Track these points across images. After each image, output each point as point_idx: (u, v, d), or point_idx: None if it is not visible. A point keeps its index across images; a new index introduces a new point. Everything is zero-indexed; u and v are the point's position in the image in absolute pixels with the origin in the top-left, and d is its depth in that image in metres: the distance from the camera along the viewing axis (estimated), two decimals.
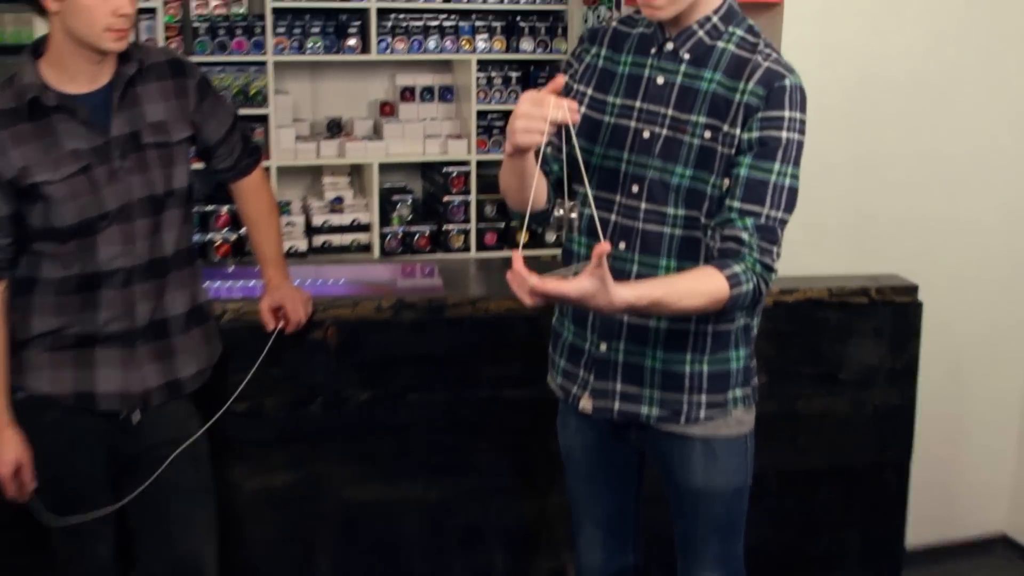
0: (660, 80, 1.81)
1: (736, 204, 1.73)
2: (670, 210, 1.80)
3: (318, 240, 4.91)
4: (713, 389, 1.87)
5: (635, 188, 1.82)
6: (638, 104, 1.82)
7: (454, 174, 4.94)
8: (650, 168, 1.80)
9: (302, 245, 4.83)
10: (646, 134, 1.81)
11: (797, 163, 1.75)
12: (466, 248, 5.01)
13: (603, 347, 1.88)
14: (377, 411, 2.44)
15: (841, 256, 2.92)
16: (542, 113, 1.61)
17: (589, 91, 1.87)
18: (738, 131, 1.73)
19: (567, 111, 1.61)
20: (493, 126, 5.14)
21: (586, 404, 1.91)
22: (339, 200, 4.96)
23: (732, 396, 1.88)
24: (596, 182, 1.86)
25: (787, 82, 1.73)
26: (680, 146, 1.78)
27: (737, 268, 1.69)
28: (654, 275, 1.79)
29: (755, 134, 1.73)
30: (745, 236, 1.72)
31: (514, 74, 5.18)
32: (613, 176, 1.85)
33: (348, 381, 2.42)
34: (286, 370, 2.37)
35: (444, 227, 4.98)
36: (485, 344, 2.47)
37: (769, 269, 1.72)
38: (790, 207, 1.75)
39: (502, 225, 5.11)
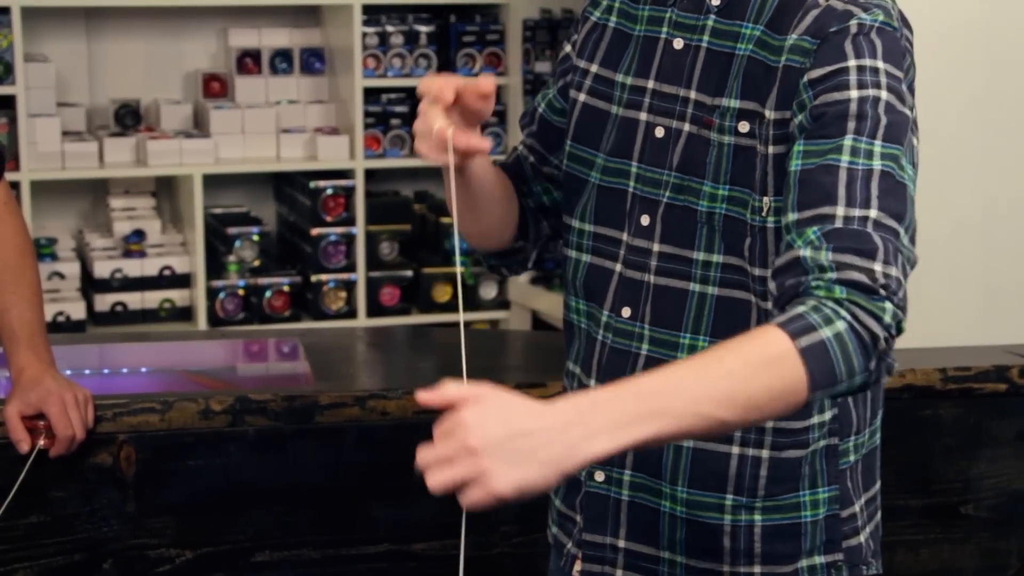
0: (678, 44, 1.82)
1: (792, 217, 1.65)
2: (699, 255, 1.79)
3: (103, 302, 4.88)
4: (772, 555, 1.85)
5: (645, 220, 1.82)
6: (651, 84, 1.84)
7: (328, 192, 4.95)
8: (665, 188, 1.81)
9: (77, 310, 4.80)
10: (659, 132, 1.82)
11: (895, 137, 1.66)
12: (349, 312, 5.01)
13: (599, 476, 1.89)
14: None
15: (962, 317, 2.96)
16: (428, 128, 1.68)
17: (593, 68, 1.90)
18: (781, 115, 1.71)
19: (449, 141, 1.66)
20: (390, 113, 5.19)
21: (579, 567, 1.92)
22: (138, 236, 4.94)
23: (802, 567, 1.86)
24: (592, 211, 1.88)
25: (853, 22, 1.70)
26: (707, 149, 1.78)
27: (800, 307, 1.55)
28: (672, 359, 1.78)
29: (806, 104, 1.69)
30: (807, 253, 1.60)
31: (423, 28, 5.25)
32: (616, 201, 1.85)
33: (155, 534, 2.40)
34: (52, 517, 2.35)
35: (313, 278, 4.98)
36: (384, 469, 2.46)
37: (869, 290, 1.56)
38: (891, 204, 1.63)
39: (408, 273, 5.13)
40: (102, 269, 4.83)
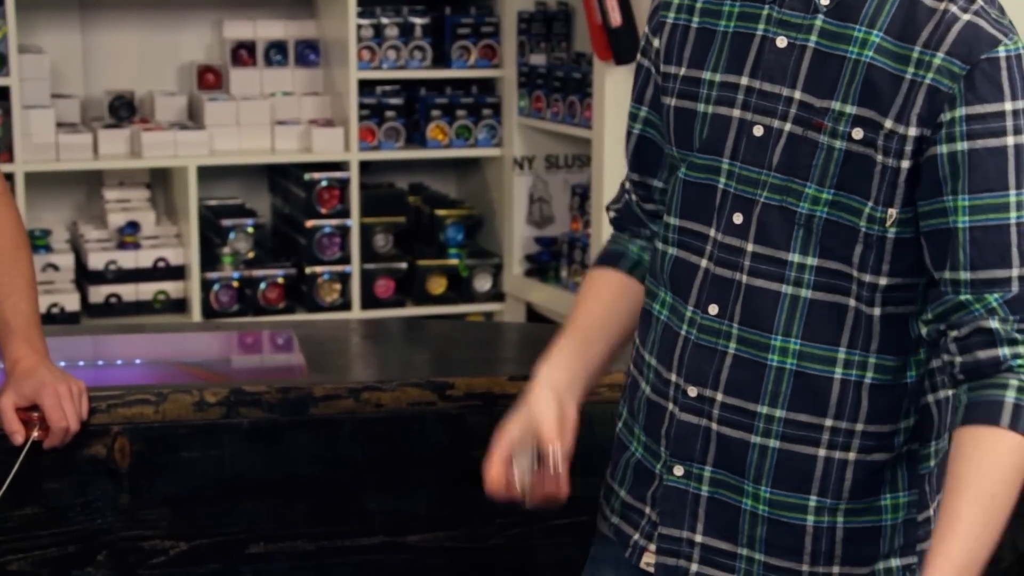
0: (782, 43, 1.80)
1: (964, 276, 1.72)
2: (794, 257, 1.79)
3: (98, 294, 4.88)
4: (852, 557, 1.86)
5: (738, 218, 1.82)
6: (745, 81, 1.82)
7: (323, 184, 4.95)
8: (764, 188, 1.80)
9: (71, 302, 4.80)
10: (758, 130, 1.80)
11: None
12: (344, 305, 5.02)
13: (678, 471, 1.89)
14: (199, 574, 2.43)
15: None
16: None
17: (681, 71, 1.89)
18: (913, 132, 1.72)
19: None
20: (385, 106, 5.19)
21: (651, 559, 1.92)
22: (132, 228, 4.94)
23: (879, 569, 1.87)
24: (678, 205, 1.89)
25: (1001, 51, 1.71)
26: (814, 151, 1.77)
27: (1010, 396, 1.70)
28: (762, 360, 1.81)
29: (959, 146, 1.71)
30: (996, 325, 1.71)
31: (418, 20, 5.25)
32: (705, 196, 1.85)
33: (150, 525, 2.40)
34: (46, 509, 2.34)
35: (308, 270, 4.98)
36: (378, 461, 2.46)
37: None
38: None
39: (403, 266, 5.14)
40: (96, 261, 4.83)
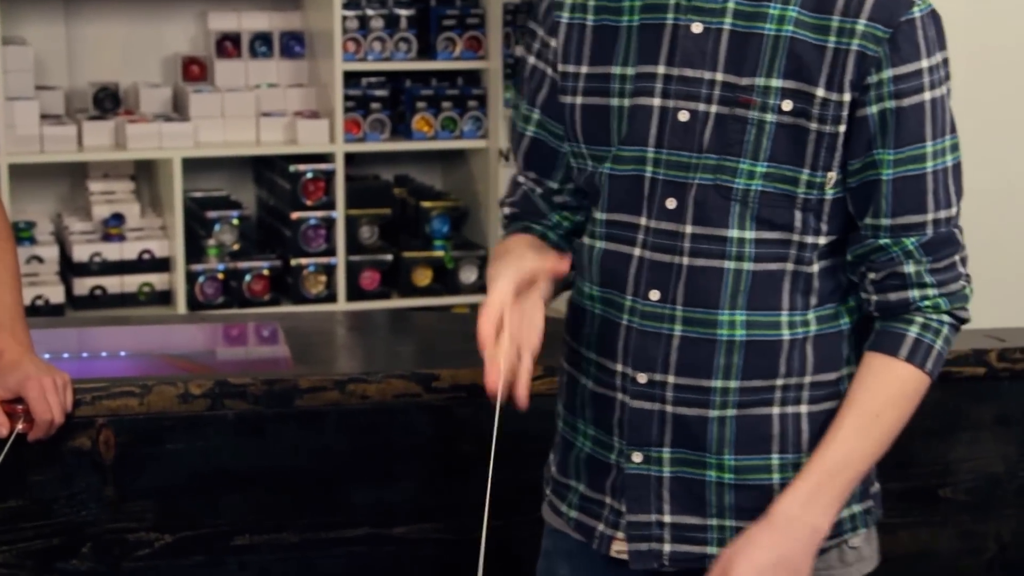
0: (697, 28, 1.84)
1: (885, 222, 1.84)
2: (733, 233, 1.84)
3: (83, 286, 4.87)
4: None
5: (671, 203, 1.86)
6: (662, 70, 1.86)
7: (308, 176, 4.95)
8: (696, 170, 1.84)
9: (56, 294, 4.79)
10: (683, 116, 1.84)
11: (953, 126, 1.86)
12: (330, 297, 5.01)
13: (636, 457, 1.91)
14: (184, 566, 2.42)
15: None
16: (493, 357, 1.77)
17: (583, 69, 1.92)
18: (847, 97, 1.80)
19: (502, 376, 1.74)
20: (370, 97, 5.18)
21: (623, 547, 1.94)
22: (117, 220, 4.93)
23: (844, 516, 1.92)
24: (605, 200, 1.91)
25: (916, 12, 1.81)
26: (744, 128, 1.82)
27: (913, 331, 1.86)
28: (711, 336, 1.85)
29: (887, 104, 1.81)
30: (910, 268, 1.85)
31: (403, 12, 5.24)
32: (633, 187, 1.88)
33: (135, 517, 2.40)
34: (30, 501, 2.35)
35: (293, 262, 4.98)
36: (363, 453, 2.46)
37: (961, 296, 1.88)
38: (960, 192, 1.87)
39: (388, 258, 5.13)
40: (81, 253, 4.82)
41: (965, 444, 2.67)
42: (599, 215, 1.92)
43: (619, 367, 1.89)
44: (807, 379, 1.87)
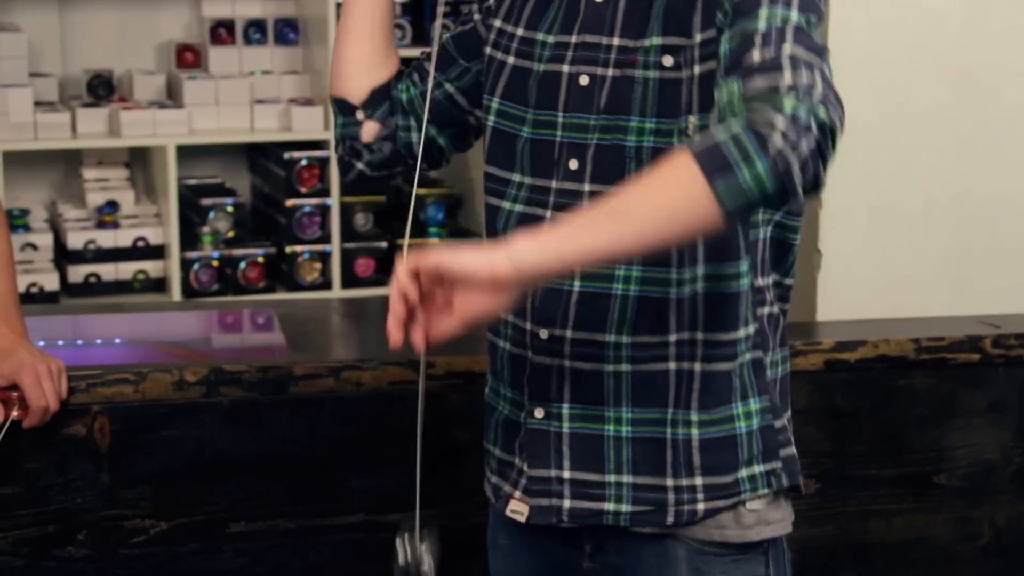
0: None
1: (719, 81, 1.76)
2: None
3: (77, 273, 4.86)
4: (712, 466, 1.92)
5: (574, 164, 1.91)
6: (574, 39, 1.93)
7: (303, 163, 4.94)
8: (594, 131, 1.89)
9: (50, 281, 4.78)
10: (583, 80, 1.90)
11: (809, 7, 1.75)
12: (324, 284, 5.00)
13: (539, 413, 1.95)
14: (180, 553, 2.42)
15: (935, 288, 2.97)
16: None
17: (519, 31, 1.99)
18: (712, 33, 1.81)
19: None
20: None
21: (517, 506, 1.99)
22: (111, 207, 4.92)
23: (742, 476, 1.92)
24: (527, 164, 1.96)
25: None
26: (632, 87, 1.87)
27: (720, 134, 1.66)
28: (607, 291, 1.88)
29: (726, 4, 1.78)
30: (723, 93, 1.72)
31: None
32: (545, 151, 1.94)
33: (130, 505, 2.40)
34: (25, 488, 2.35)
35: (288, 249, 4.97)
36: (358, 440, 2.46)
37: (772, 90, 1.67)
38: (806, 41, 1.72)
39: (383, 245, 5.13)
40: (75, 240, 4.81)
41: (959, 430, 2.68)
42: (519, 178, 1.95)
43: (528, 325, 1.93)
44: (700, 336, 1.88)
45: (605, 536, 1.96)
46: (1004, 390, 2.69)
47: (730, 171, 1.63)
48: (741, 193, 1.64)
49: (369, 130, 2.09)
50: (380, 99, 2.08)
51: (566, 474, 1.94)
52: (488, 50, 2.01)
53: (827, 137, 1.68)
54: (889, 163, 2.96)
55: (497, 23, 2.00)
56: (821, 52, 1.74)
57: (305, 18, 5.06)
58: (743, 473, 1.93)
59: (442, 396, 2.46)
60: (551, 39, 1.94)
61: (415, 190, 2.06)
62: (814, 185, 1.68)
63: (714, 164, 1.63)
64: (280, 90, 5.01)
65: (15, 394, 2.23)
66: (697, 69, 1.82)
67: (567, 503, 1.94)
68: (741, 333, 1.91)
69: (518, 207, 1.96)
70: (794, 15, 1.74)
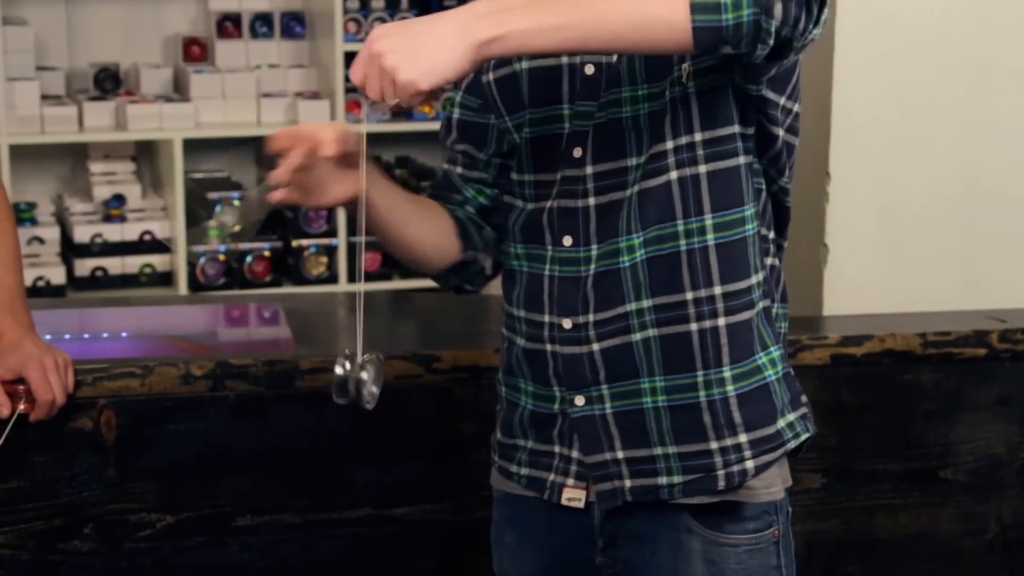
0: None
1: None
2: (631, 161, 1.88)
3: (84, 267, 4.86)
4: (752, 420, 1.93)
5: (577, 152, 1.92)
6: None
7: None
8: (593, 114, 1.90)
9: (57, 275, 4.78)
10: (589, 69, 1.90)
11: None
12: (331, 278, 5.01)
13: (580, 401, 1.95)
14: (186, 547, 2.43)
15: (942, 283, 2.97)
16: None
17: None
18: None
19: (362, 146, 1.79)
20: None
21: (573, 493, 1.98)
22: (118, 201, 4.92)
23: (782, 426, 1.94)
24: (528, 163, 1.97)
25: None
26: (620, 58, 1.87)
27: None
28: (615, 266, 1.89)
29: None
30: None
31: None
32: (552, 146, 1.94)
33: (136, 498, 2.40)
34: (32, 482, 2.35)
35: (295, 243, 4.97)
36: (364, 434, 2.47)
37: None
38: None
39: None
40: (82, 234, 4.81)
41: (966, 425, 2.68)
42: (526, 177, 1.97)
43: (546, 318, 1.94)
44: (717, 290, 1.88)
45: (616, 530, 1.96)
46: (1011, 385, 2.69)
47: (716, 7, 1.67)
48: (715, 15, 1.67)
49: (484, 259, 2.06)
50: (470, 236, 2.04)
51: (620, 454, 1.94)
52: (480, 77, 2.01)
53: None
54: (896, 158, 2.95)
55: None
56: None
57: (312, 12, 5.06)
58: (782, 423, 1.93)
59: (448, 390, 2.46)
60: None
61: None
62: (789, 40, 1.71)
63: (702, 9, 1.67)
64: (287, 84, 5.02)
65: (22, 388, 2.23)
66: None
67: (628, 482, 1.94)
68: (754, 280, 1.91)
69: (530, 205, 1.97)
70: None
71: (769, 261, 1.94)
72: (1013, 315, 2.76)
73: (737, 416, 1.91)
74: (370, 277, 5.04)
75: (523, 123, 1.96)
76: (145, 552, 2.41)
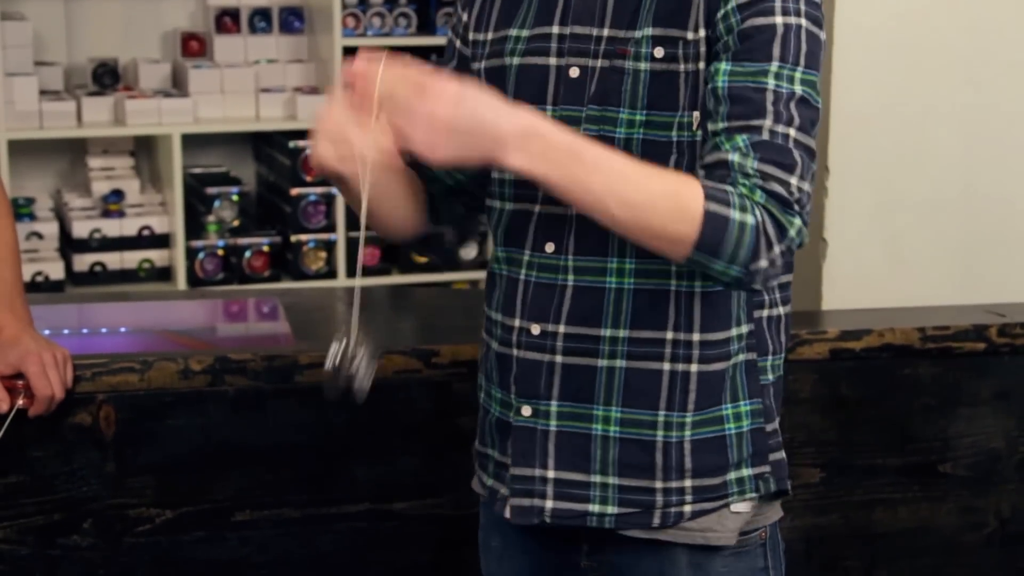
0: None
1: (721, 125, 1.79)
2: None
3: (82, 262, 4.86)
4: (702, 468, 1.91)
5: None
6: (555, 30, 1.91)
7: (308, 151, 4.92)
8: (581, 122, 1.88)
9: (55, 270, 4.78)
10: (574, 72, 1.89)
11: (812, 64, 1.81)
12: (330, 273, 5.01)
13: (526, 411, 1.94)
14: (185, 542, 2.43)
15: (941, 277, 2.96)
16: (348, 140, 1.75)
17: (488, 35, 1.98)
18: (702, 33, 1.82)
19: (366, 171, 1.74)
20: None
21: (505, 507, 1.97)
22: (117, 196, 4.92)
23: (731, 479, 1.92)
24: None
25: None
26: (622, 78, 1.86)
27: (728, 187, 1.73)
28: (600, 285, 1.88)
29: (734, 28, 1.80)
30: (735, 157, 1.76)
31: None
32: None
33: (135, 493, 2.40)
34: (31, 477, 2.35)
35: (293, 238, 4.97)
36: (363, 429, 2.47)
37: (785, 203, 1.74)
38: (808, 127, 1.79)
39: None
40: (81, 229, 4.81)
41: (965, 419, 2.68)
42: (506, 176, 1.94)
43: (517, 322, 1.92)
44: (696, 336, 1.87)
45: (602, 535, 1.95)
46: (1009, 379, 2.69)
47: (715, 254, 1.72)
48: (707, 268, 1.74)
49: (449, 232, 2.06)
50: (438, 211, 2.05)
51: (550, 473, 1.92)
52: (471, 65, 2.00)
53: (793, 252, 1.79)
54: (894, 153, 2.96)
55: (471, 36, 2.00)
56: (811, 131, 1.80)
57: (310, 6, 5.05)
58: (731, 476, 1.92)
59: (447, 385, 2.46)
60: (524, 33, 1.93)
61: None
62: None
63: (711, 239, 1.71)
64: (285, 79, 5.02)
65: (20, 383, 2.23)
66: (700, 65, 1.82)
67: (549, 503, 1.93)
68: (734, 332, 1.90)
69: (508, 205, 1.95)
70: (799, 80, 1.79)
71: (765, 313, 1.93)
72: (1012, 309, 2.76)
73: (688, 461, 1.90)
74: (369, 272, 5.04)
75: None
76: (144, 547, 2.41)
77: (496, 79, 1.93)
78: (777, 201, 1.73)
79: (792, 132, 1.76)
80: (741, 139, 1.76)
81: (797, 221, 1.74)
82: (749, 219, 1.71)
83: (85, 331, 2.80)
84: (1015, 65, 3.04)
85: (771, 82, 1.78)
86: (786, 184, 1.73)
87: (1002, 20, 3.01)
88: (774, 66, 1.78)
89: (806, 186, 1.76)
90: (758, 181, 1.73)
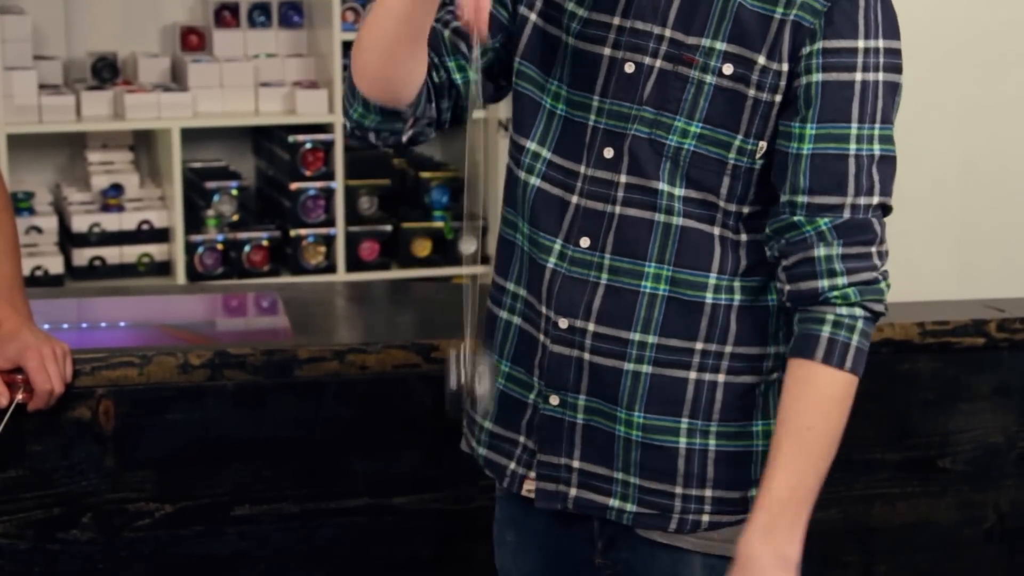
0: None
1: (802, 199, 1.81)
2: (663, 186, 1.85)
3: (82, 256, 4.86)
4: (724, 480, 1.92)
5: (609, 152, 1.88)
6: (616, 21, 1.88)
7: (307, 146, 4.94)
8: (635, 121, 1.86)
9: (55, 264, 4.78)
10: (629, 67, 1.87)
11: (887, 117, 1.84)
12: (329, 267, 5.01)
13: (554, 400, 1.94)
14: (185, 536, 2.43)
15: (940, 272, 2.96)
16: None
17: None
18: (785, 67, 1.81)
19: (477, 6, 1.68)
20: None
21: (531, 486, 1.98)
22: (116, 190, 4.92)
23: (752, 496, 1.92)
24: (554, 140, 1.93)
25: None
26: (684, 86, 1.84)
27: (826, 330, 1.81)
28: (635, 288, 1.87)
29: (814, 77, 1.80)
30: (821, 252, 1.81)
31: None
32: (576, 133, 1.90)
33: (134, 488, 2.41)
34: (30, 471, 2.35)
35: (292, 233, 4.97)
36: (362, 423, 2.47)
37: (873, 283, 1.83)
38: (887, 184, 1.85)
39: (388, 228, 5.13)
40: (80, 223, 4.81)
41: (964, 414, 2.68)
42: (544, 152, 1.92)
43: (543, 310, 1.92)
44: (728, 349, 1.88)
45: (616, 533, 1.95)
46: (1009, 374, 2.69)
47: (861, 361, 1.85)
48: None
49: (411, 125, 1.97)
50: (422, 96, 1.92)
51: (576, 463, 1.93)
52: (519, 8, 1.94)
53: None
54: None
55: None
56: (890, 185, 1.88)
57: (310, 1, 5.05)
58: (753, 492, 1.91)
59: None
60: (582, 12, 1.89)
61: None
62: None
63: (856, 363, 1.83)
64: (285, 73, 5.01)
65: (20, 377, 2.24)
66: (776, 98, 1.82)
67: (573, 491, 1.94)
68: (771, 350, 1.91)
69: (535, 180, 1.93)
70: (878, 138, 1.84)
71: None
72: (1011, 304, 2.76)
73: (710, 470, 1.90)
74: (368, 266, 5.04)
75: (544, 87, 1.91)
76: (143, 541, 2.41)
77: (545, 44, 1.91)
78: (867, 285, 1.82)
79: (874, 200, 1.83)
80: (824, 222, 1.81)
81: (884, 286, 1.84)
82: (860, 324, 1.82)
83: (84, 325, 2.80)
84: (1015, 62, 3.04)
85: (852, 147, 1.81)
86: (869, 261, 1.82)
87: (1002, 18, 3.01)
88: (854, 128, 1.81)
89: (885, 247, 1.85)
90: (846, 279, 1.81)
